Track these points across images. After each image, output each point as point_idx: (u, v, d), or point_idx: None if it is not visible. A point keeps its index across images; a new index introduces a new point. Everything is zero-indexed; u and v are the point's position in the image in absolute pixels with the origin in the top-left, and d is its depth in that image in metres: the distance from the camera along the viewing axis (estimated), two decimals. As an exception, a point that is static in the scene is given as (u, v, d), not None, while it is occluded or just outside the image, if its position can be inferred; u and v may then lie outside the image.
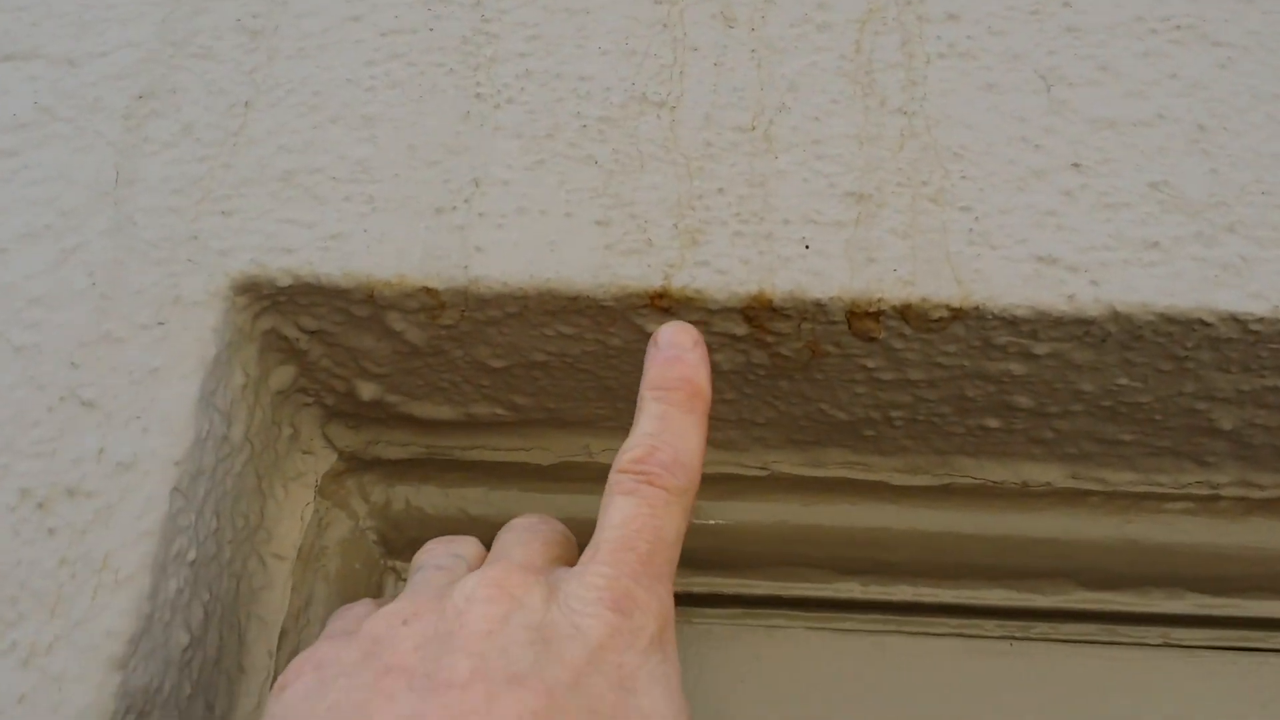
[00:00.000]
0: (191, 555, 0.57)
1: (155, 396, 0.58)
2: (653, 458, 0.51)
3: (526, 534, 0.55)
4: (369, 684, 0.44)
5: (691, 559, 0.68)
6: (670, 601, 0.49)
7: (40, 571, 0.53)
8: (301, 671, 0.47)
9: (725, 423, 0.67)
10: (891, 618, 0.66)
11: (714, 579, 0.68)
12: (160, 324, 0.60)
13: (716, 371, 0.64)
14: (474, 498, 0.68)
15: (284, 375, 0.66)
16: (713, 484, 0.69)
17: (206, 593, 0.59)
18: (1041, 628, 0.65)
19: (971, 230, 0.61)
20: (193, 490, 0.57)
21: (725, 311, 0.60)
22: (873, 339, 0.61)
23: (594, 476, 0.69)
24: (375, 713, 0.43)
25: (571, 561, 0.55)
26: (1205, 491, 0.66)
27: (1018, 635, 0.65)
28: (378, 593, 0.69)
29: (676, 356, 0.55)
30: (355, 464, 0.70)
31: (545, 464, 0.69)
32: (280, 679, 0.48)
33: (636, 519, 0.49)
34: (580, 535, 0.68)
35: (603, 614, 0.46)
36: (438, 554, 0.54)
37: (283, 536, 0.66)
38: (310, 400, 0.68)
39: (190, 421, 0.58)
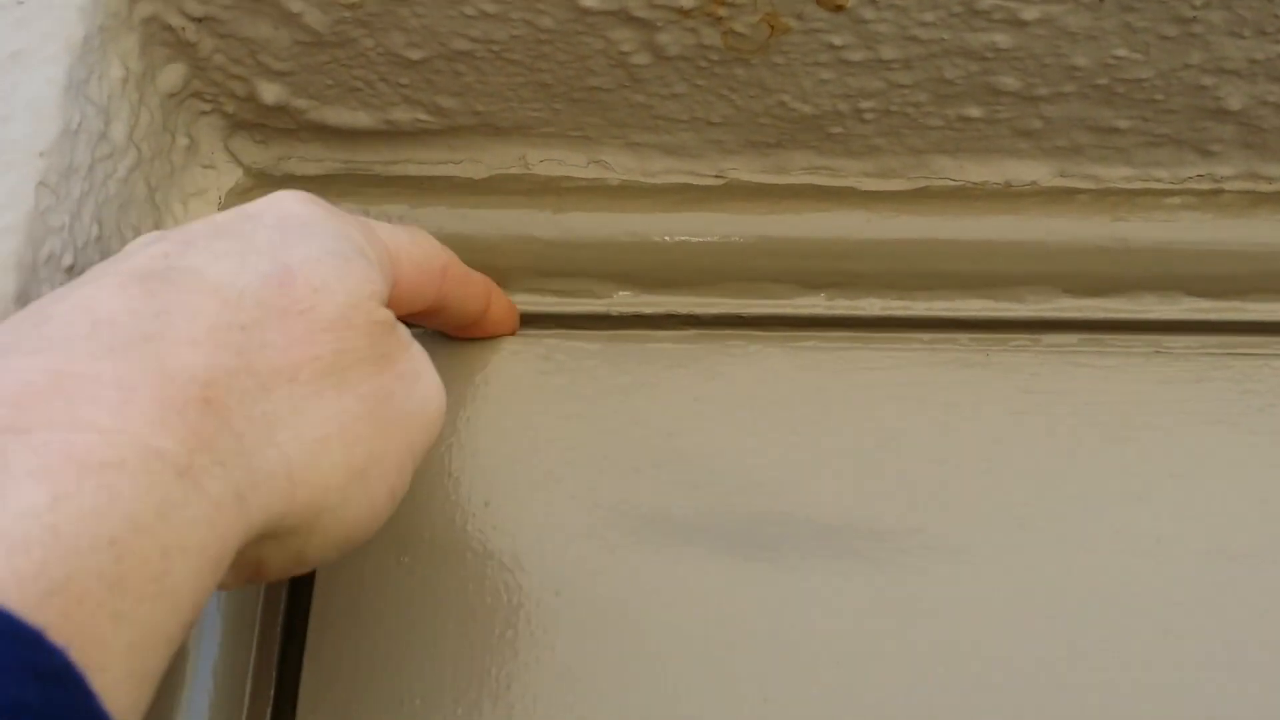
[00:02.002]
0: (68, 260, 0.50)
1: (16, 82, 0.50)
2: None
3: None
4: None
5: (643, 277, 0.62)
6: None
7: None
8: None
9: (676, 123, 0.60)
10: (859, 334, 0.60)
11: (666, 298, 0.62)
12: (20, 3, 0.52)
13: (662, 57, 0.56)
14: (398, 215, 0.61)
15: (173, 75, 0.58)
16: (662, 194, 0.62)
17: (91, 307, 0.52)
18: (1021, 339, 0.60)
19: (953, -117, 0.53)
20: (64, 188, 0.50)
21: (671, -22, 0.52)
22: (839, 7, 0.53)
23: (531, 190, 0.62)
24: None
25: None
26: (1207, 185, 0.59)
27: (995, 348, 0.59)
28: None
29: None
30: (264, 181, 0.63)
31: (477, 177, 0.63)
32: None
33: None
34: (521, 253, 0.62)
35: None
36: None
37: (184, 256, 0.59)
38: (208, 107, 0.61)
39: (57, 111, 0.50)
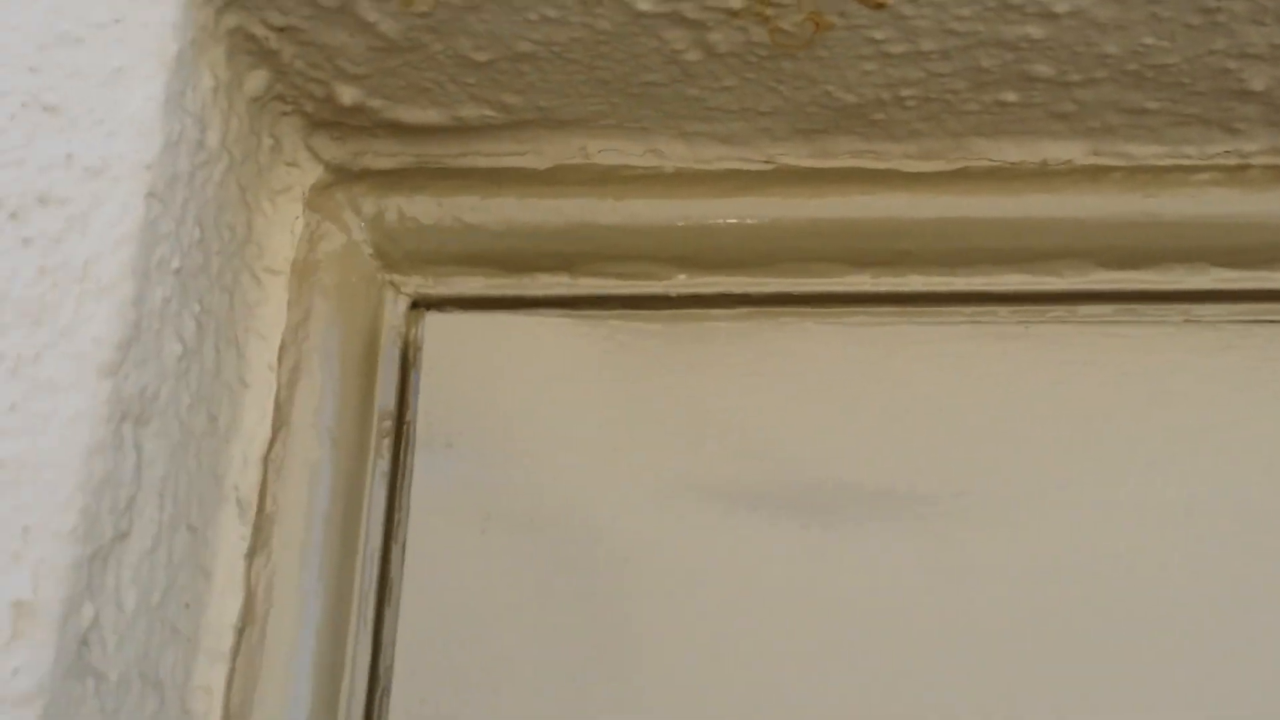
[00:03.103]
0: (176, 264, 0.55)
1: (119, 99, 0.55)
2: None
3: None
4: None
5: (697, 259, 0.65)
6: None
7: (21, 282, 0.51)
8: None
9: (727, 114, 0.64)
10: (904, 309, 0.64)
11: (721, 278, 0.66)
12: (117, 21, 0.56)
13: (713, 54, 0.60)
14: (468, 205, 0.65)
15: (257, 80, 0.62)
16: (716, 180, 0.66)
17: (197, 304, 0.57)
18: (1058, 311, 0.63)
19: (988, -117, 0.56)
20: (170, 196, 0.55)
21: (720, -17, 0.56)
22: (881, 5, 0.57)
23: (592, 179, 0.66)
24: None
25: None
26: (1234, 161, 0.62)
27: (1033, 320, 0.63)
28: (378, 308, 0.67)
29: None
30: (343, 176, 0.67)
31: (541, 168, 0.66)
32: None
33: None
34: (583, 239, 0.65)
35: None
36: None
37: (274, 251, 0.64)
38: (289, 108, 0.65)
39: (158, 124, 0.55)
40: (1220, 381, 0.60)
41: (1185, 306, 0.62)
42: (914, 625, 0.56)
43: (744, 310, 0.65)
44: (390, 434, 0.63)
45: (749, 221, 0.65)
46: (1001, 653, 0.55)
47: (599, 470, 0.60)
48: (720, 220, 0.65)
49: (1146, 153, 0.63)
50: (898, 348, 0.62)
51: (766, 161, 0.66)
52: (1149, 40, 0.57)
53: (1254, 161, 0.62)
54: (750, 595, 0.57)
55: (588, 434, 0.61)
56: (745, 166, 0.66)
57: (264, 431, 0.60)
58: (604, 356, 0.63)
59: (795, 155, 0.66)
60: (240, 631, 0.57)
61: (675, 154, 0.66)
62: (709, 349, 0.63)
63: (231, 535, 0.58)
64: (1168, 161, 0.63)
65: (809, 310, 0.64)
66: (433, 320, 0.64)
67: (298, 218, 0.65)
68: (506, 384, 0.62)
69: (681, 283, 0.66)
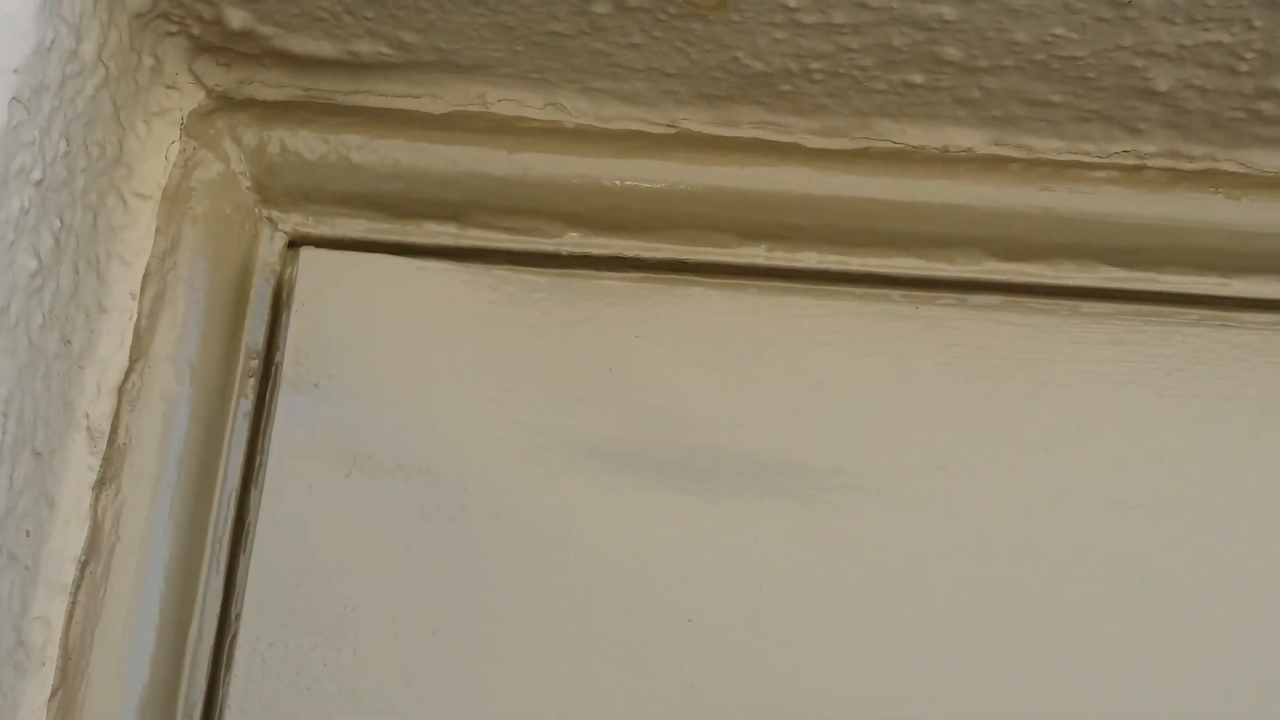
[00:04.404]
0: (36, 175, 0.51)
1: (-11, -5, 0.51)
2: None
3: None
4: None
5: (591, 218, 0.64)
6: None
7: None
8: None
9: (631, 71, 0.62)
10: (796, 284, 0.63)
11: (613, 240, 0.64)
12: None
13: (623, 8, 0.58)
14: (355, 144, 0.63)
15: (143, -6, 0.59)
16: (615, 140, 0.64)
17: (56, 220, 0.53)
18: (948, 298, 0.63)
19: None
20: (35, 103, 0.51)
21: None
22: (796, -29, 0.56)
23: (490, 128, 0.64)
24: None
25: None
26: (1132, 161, 0.63)
27: (924, 304, 0.62)
28: (252, 243, 0.64)
29: None
30: (226, 104, 0.64)
31: (436, 112, 0.64)
32: None
33: None
34: (475, 189, 0.63)
35: None
36: None
37: (145, 175, 0.61)
38: (175, 29, 0.61)
39: (30, 27, 0.51)
40: (1105, 375, 0.60)
41: (1073, 303, 0.63)
42: (783, 593, 0.55)
43: (635, 274, 0.64)
44: (257, 374, 0.61)
45: (647, 184, 0.64)
46: (870, 627, 0.55)
47: (474, 421, 0.59)
48: (618, 181, 0.64)
49: (1046, 146, 0.63)
50: (788, 320, 0.62)
51: (669, 125, 0.65)
52: (1059, 30, 0.57)
53: (1151, 163, 0.63)
54: (622, 556, 0.56)
55: (464, 384, 0.59)
56: (648, 129, 0.65)
57: (121, 360, 0.57)
58: (487, 307, 0.61)
59: (698, 120, 0.65)
60: (83, 565, 0.54)
61: (577, 109, 0.64)
62: (596, 306, 0.61)
63: (79, 465, 0.55)
64: (1067, 157, 0.63)
65: (700, 278, 0.63)
66: (308, 256, 0.62)
67: (174, 142, 0.62)
68: (382, 328, 0.60)
69: (573, 241, 0.64)
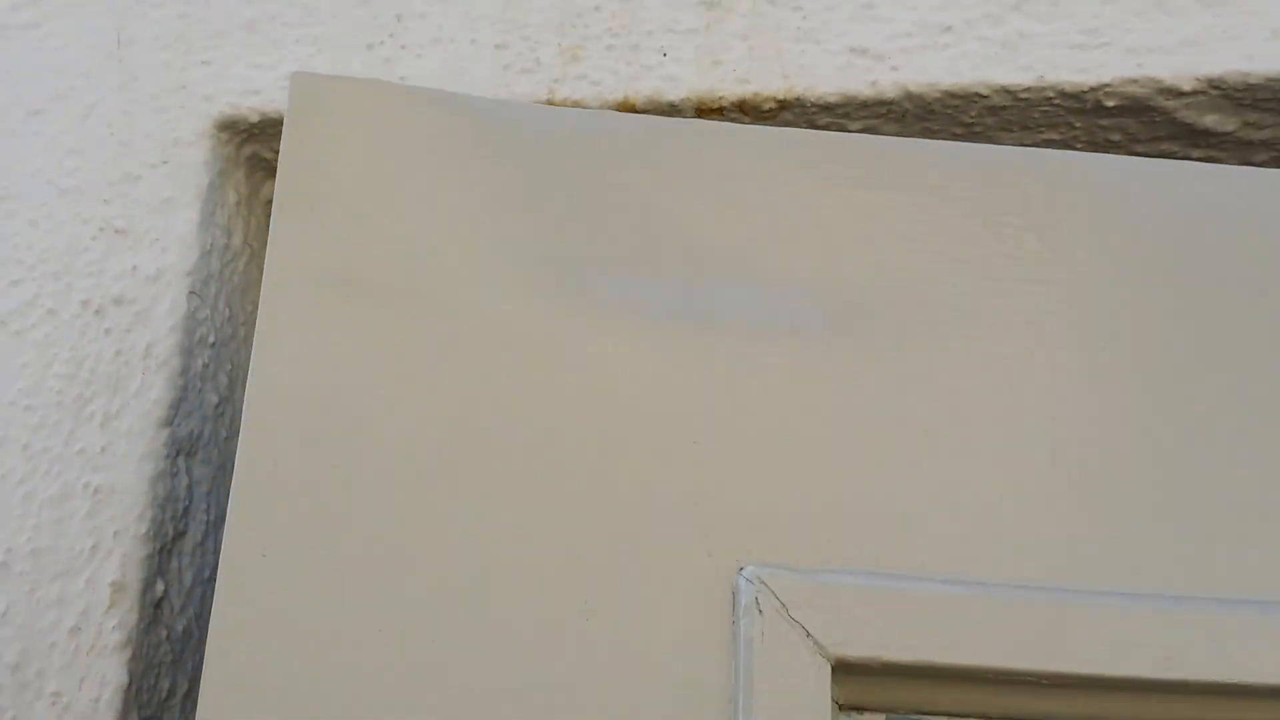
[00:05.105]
0: (211, 339, 0.77)
1: (168, 222, 0.77)
2: None
3: None
4: None
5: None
6: None
7: (104, 360, 0.74)
8: None
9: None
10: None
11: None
12: (165, 162, 0.78)
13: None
14: None
15: (270, 188, 0.84)
16: None
17: (229, 364, 0.79)
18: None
19: (800, 29, 0.75)
20: (205, 290, 0.77)
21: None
22: (715, 130, 0.75)
23: None
24: None
25: None
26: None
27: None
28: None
29: None
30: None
31: None
32: None
33: None
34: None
35: None
36: None
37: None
38: (298, 202, 0.86)
39: (195, 239, 0.76)
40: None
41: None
42: (784, 423, 0.62)
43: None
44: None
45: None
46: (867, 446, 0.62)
47: (465, 245, 0.64)
48: None
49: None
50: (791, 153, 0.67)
51: None
52: (919, 147, 0.76)
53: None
54: (607, 388, 0.62)
55: (456, 209, 0.64)
56: None
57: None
58: (476, 133, 0.67)
59: None
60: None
61: None
62: (589, 134, 0.67)
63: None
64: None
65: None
66: (298, 81, 0.66)
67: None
68: (372, 153, 0.65)
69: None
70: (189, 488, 0.74)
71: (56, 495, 0.70)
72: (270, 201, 0.84)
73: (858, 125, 0.75)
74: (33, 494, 0.70)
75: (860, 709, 0.61)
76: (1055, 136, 0.76)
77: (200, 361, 0.76)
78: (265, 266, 0.62)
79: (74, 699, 0.66)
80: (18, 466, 0.71)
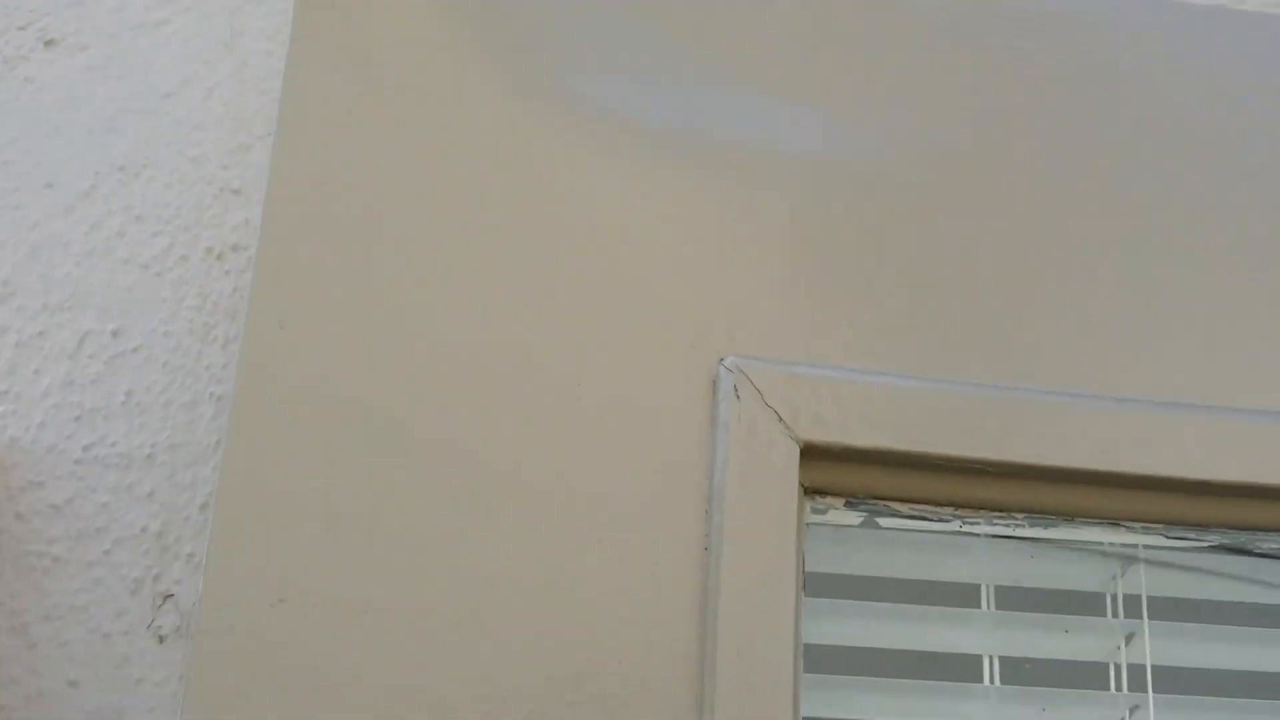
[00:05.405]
0: (308, 277, 0.94)
1: (273, 183, 0.94)
2: None
3: None
4: None
5: None
6: None
7: (224, 296, 0.92)
8: None
9: None
10: None
11: None
12: (269, 134, 0.95)
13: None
14: None
15: (358, 152, 1.01)
16: None
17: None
18: None
19: None
20: (303, 238, 0.94)
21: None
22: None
23: None
24: None
25: None
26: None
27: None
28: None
29: None
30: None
31: None
32: None
33: None
34: None
35: None
36: None
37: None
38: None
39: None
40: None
41: None
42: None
43: None
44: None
45: None
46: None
47: (459, 75, 0.83)
48: None
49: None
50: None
51: None
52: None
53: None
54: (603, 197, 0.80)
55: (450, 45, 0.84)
56: None
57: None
58: None
59: None
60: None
61: None
62: None
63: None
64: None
65: None
66: None
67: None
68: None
69: None
70: (291, 397, 0.92)
71: (188, 402, 0.88)
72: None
73: None
74: (170, 401, 0.88)
75: (823, 493, 0.71)
76: None
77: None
78: (287, 58, 0.85)
79: (204, 558, 0.85)
80: (159, 379, 0.89)
